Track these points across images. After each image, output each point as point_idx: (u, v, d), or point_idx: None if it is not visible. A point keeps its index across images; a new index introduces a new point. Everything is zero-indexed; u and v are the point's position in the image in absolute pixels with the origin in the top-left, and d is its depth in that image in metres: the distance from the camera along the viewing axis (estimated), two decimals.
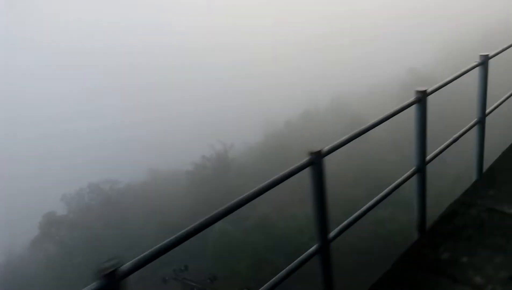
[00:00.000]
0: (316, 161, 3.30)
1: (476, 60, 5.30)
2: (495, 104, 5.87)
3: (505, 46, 6.00)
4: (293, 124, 47.84)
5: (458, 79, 4.99)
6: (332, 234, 3.53)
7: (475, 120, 5.50)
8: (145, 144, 61.66)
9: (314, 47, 74.82)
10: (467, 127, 5.33)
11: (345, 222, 3.71)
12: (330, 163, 3.56)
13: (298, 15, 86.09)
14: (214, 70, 77.14)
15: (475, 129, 5.54)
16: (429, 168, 4.57)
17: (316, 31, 78.78)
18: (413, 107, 4.29)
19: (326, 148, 3.38)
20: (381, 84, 49.37)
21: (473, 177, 5.55)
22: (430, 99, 4.40)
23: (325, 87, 53.88)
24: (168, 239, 2.54)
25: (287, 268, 3.28)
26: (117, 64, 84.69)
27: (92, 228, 38.94)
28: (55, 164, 60.33)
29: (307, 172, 3.32)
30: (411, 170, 4.43)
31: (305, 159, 3.27)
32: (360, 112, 40.23)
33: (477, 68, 5.31)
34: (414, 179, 4.50)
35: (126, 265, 2.33)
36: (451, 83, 4.88)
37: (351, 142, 3.72)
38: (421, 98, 4.30)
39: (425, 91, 4.31)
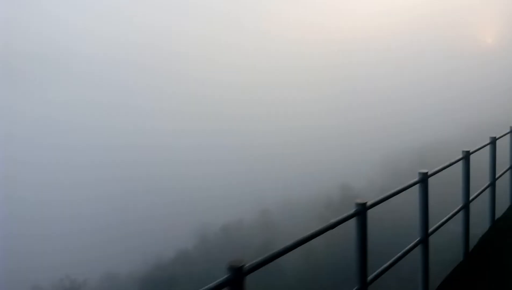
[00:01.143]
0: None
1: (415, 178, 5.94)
2: (439, 223, 6.59)
3: (444, 165, 6.79)
4: (210, 241, 48.28)
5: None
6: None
7: (417, 239, 5.98)
8: None
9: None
10: (408, 247, 5.74)
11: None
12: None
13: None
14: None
15: (418, 249, 6.01)
16: None
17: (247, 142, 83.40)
18: (416, 186, 5.87)
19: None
20: (309, 201, 51.97)
21: None
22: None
23: (251, 199, 55.82)
24: None
25: None
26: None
27: None
28: None
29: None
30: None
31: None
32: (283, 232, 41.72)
33: (416, 186, 5.94)
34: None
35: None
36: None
37: None
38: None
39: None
